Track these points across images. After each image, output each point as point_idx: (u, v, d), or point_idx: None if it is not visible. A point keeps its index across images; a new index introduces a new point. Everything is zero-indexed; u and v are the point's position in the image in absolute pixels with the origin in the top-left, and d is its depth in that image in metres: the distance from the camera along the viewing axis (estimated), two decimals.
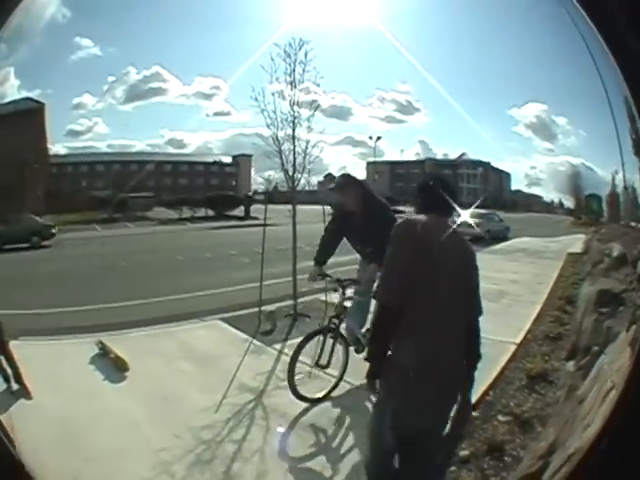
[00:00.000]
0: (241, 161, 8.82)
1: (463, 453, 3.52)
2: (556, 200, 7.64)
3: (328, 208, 6.21)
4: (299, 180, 7.02)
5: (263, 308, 6.58)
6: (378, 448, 2.71)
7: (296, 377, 4.54)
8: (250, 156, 8.70)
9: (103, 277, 7.19)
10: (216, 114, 8.20)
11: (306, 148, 6.84)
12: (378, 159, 9.38)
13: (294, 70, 6.76)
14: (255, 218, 14.68)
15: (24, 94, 7.41)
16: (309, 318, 6.54)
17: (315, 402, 4.59)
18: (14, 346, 4.89)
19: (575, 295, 6.53)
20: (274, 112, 6.77)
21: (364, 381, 2.62)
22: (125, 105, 8.14)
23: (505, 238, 11.94)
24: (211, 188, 9.19)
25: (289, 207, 7.06)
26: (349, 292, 4.95)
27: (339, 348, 4.82)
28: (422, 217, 2.51)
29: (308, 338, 4.70)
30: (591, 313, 4.44)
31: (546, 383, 4.43)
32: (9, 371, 4.72)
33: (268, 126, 6.77)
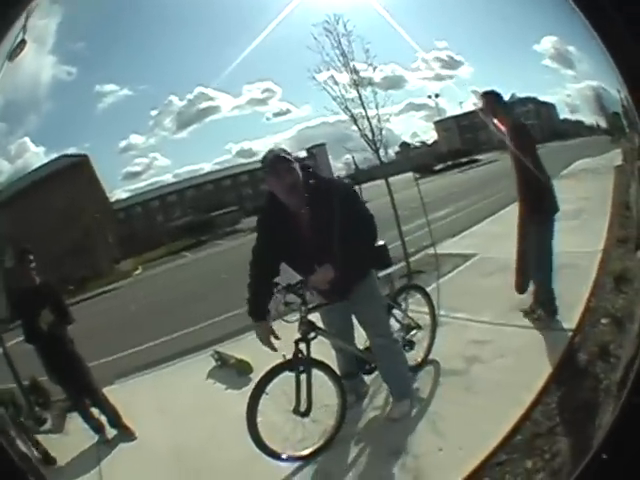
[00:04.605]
0: (316, 152, 8.56)
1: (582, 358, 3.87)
2: (594, 122, 7.50)
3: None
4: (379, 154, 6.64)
5: None
6: None
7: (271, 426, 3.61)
8: (324, 145, 8.42)
9: (204, 296, 7.12)
10: (276, 115, 8.04)
11: (379, 121, 6.50)
12: (443, 117, 9.03)
13: (340, 43, 6.39)
14: None
15: (54, 156, 7.33)
16: (424, 272, 6.14)
17: (298, 461, 3.70)
18: (111, 391, 4.93)
19: (628, 198, 6.43)
20: (342, 89, 6.47)
21: None
22: (179, 133, 8.03)
23: None
24: None
25: (377, 183, 6.78)
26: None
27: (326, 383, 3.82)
28: None
29: (271, 375, 3.62)
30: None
31: (627, 280, 4.38)
32: (103, 419, 4.73)
33: (346, 108, 6.44)
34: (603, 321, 4.16)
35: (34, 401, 4.94)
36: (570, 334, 4.26)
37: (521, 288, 4.94)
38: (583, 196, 8.23)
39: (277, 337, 3.70)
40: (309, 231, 3.64)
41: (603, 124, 7.18)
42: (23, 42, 5.01)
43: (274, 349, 3.69)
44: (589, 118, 7.83)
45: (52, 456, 4.33)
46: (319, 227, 3.58)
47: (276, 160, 3.57)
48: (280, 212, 3.66)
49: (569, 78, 7.24)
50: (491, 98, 4.94)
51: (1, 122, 6.56)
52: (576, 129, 8.18)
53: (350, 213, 3.59)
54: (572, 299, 4.61)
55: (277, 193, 3.62)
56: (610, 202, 7.28)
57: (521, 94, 6.90)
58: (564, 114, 7.92)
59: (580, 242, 5.11)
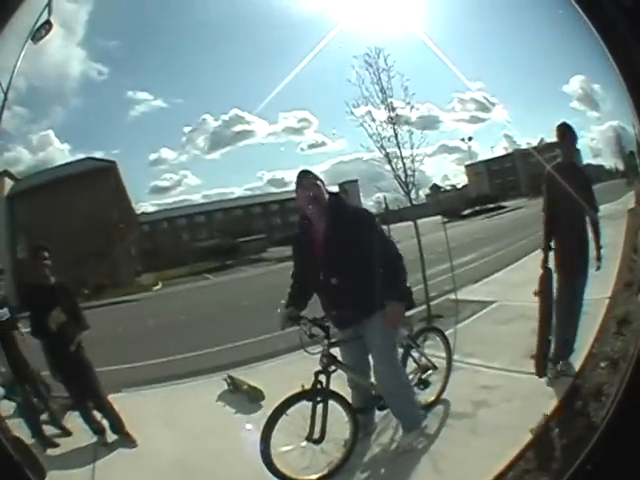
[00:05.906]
0: (348, 188, 8.62)
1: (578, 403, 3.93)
2: (613, 166, 7.61)
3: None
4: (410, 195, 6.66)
5: None
6: None
7: (283, 449, 3.65)
8: (356, 181, 8.51)
9: (223, 320, 7.10)
10: (311, 146, 8.17)
11: (412, 162, 6.52)
12: (474, 161, 9.13)
13: (380, 78, 6.46)
14: None
15: (80, 157, 7.33)
16: (442, 317, 6.19)
17: None
18: (116, 398, 4.92)
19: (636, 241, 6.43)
20: (378, 127, 6.53)
21: None
22: (211, 154, 8.14)
23: None
24: None
25: (405, 224, 6.83)
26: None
27: (340, 413, 3.89)
28: None
29: (289, 402, 3.71)
30: None
31: (626, 323, 4.45)
32: (105, 423, 4.73)
33: (381, 147, 6.51)
34: (602, 364, 4.23)
35: (32, 392, 4.85)
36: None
37: (542, 370, 4.65)
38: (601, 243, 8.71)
39: (296, 320, 3.97)
40: (325, 251, 3.94)
41: (621, 166, 7.30)
42: (48, 23, 5.00)
43: (282, 328, 4.00)
44: (609, 161, 7.82)
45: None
46: (336, 248, 3.85)
47: (303, 175, 4.07)
48: (306, 232, 4.08)
49: (594, 120, 7.23)
50: (573, 132, 4.95)
51: (23, 107, 6.58)
52: (597, 174, 8.20)
53: (367, 239, 3.86)
54: (577, 346, 4.73)
55: (301, 203, 4.06)
56: (621, 247, 7.16)
57: (548, 139, 6.83)
58: (587, 159, 7.91)
59: (591, 289, 5.01)
